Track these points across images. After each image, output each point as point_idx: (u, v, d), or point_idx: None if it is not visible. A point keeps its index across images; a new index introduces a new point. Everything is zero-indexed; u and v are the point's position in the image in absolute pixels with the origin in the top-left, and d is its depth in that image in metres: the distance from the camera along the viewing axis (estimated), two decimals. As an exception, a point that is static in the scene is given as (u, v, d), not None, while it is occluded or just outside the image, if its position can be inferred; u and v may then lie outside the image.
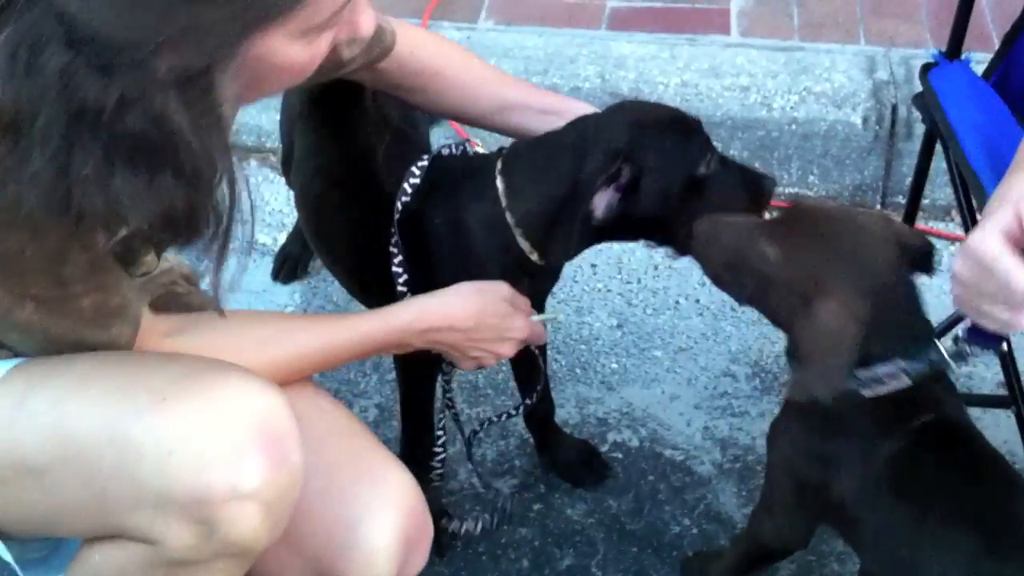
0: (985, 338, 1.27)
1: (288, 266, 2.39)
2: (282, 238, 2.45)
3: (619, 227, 1.45)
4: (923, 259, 1.37)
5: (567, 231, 1.40)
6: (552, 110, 1.58)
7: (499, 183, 1.46)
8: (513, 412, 1.77)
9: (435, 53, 1.60)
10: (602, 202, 1.39)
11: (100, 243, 1.11)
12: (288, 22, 1.00)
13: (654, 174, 1.40)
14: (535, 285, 1.56)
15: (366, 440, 1.41)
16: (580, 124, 1.47)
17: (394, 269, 1.52)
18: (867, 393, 1.31)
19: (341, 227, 1.66)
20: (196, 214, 1.03)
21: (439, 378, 1.69)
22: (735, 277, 1.40)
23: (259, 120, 2.73)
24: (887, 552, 1.33)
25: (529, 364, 1.77)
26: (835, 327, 1.25)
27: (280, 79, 1.09)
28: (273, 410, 1.14)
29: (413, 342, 1.45)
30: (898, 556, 1.31)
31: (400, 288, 1.52)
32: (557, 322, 1.56)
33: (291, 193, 2.41)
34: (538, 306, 1.64)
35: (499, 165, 1.48)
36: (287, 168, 2.14)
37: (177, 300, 1.53)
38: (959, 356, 1.33)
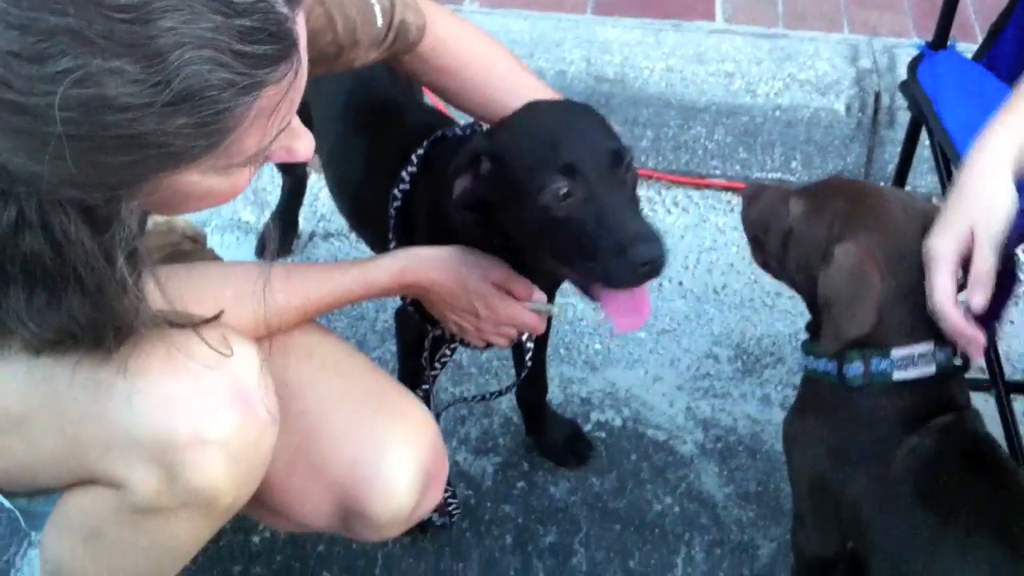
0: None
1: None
2: (266, 215, 2.44)
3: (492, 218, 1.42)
4: None
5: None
6: None
7: None
8: (488, 396, 1.77)
9: (456, 51, 1.54)
10: (460, 185, 1.38)
11: None
12: (200, 163, 0.95)
13: (501, 183, 1.35)
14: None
15: (387, 379, 1.44)
16: (523, 109, 1.44)
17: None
18: (898, 376, 1.31)
19: (379, 214, 1.64)
20: (98, 329, 1.02)
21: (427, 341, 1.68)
22: (765, 236, 1.42)
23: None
24: (901, 560, 1.31)
25: (518, 351, 1.78)
26: (854, 265, 1.28)
27: (200, 204, 1.05)
28: (246, 362, 1.15)
29: (395, 295, 1.49)
30: (913, 564, 1.29)
31: None
32: (553, 315, 1.55)
33: (273, 171, 2.42)
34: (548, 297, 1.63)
35: None
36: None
37: (184, 258, 1.54)
38: None
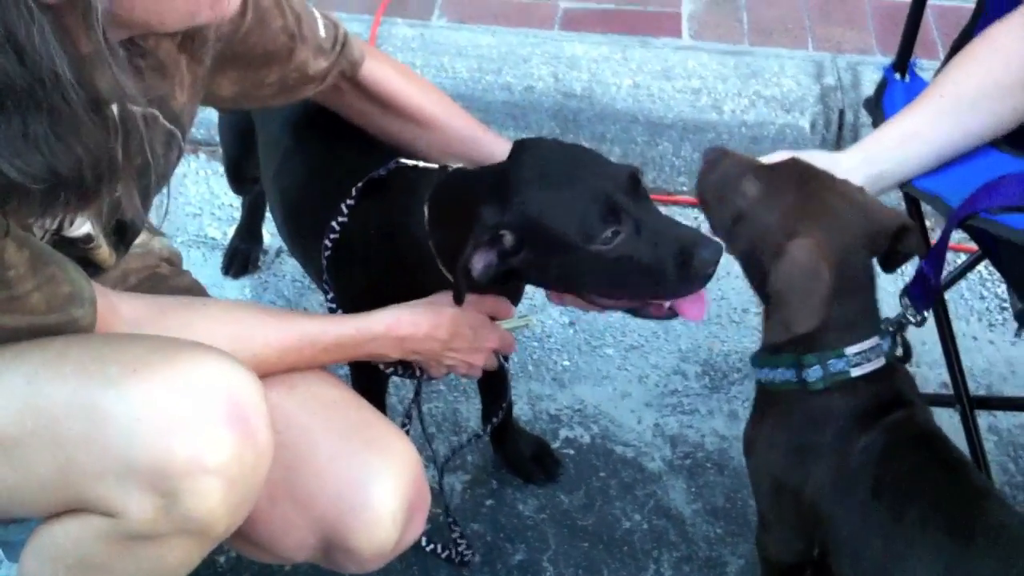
0: (920, 297, 1.41)
1: (238, 261, 2.37)
2: (232, 232, 2.43)
3: (520, 278, 1.42)
4: (897, 238, 1.41)
5: (454, 278, 1.37)
6: (479, 160, 1.56)
7: (426, 210, 1.45)
8: (482, 433, 1.82)
9: (393, 80, 1.57)
10: (480, 262, 1.35)
11: (36, 238, 1.09)
12: None
13: (535, 247, 1.34)
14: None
15: (372, 411, 1.44)
16: (493, 172, 1.42)
17: (323, 286, 1.54)
18: (855, 372, 1.35)
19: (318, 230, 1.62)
20: (82, 165, 0.94)
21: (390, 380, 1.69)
22: (717, 206, 1.44)
23: (209, 113, 2.69)
24: (860, 553, 1.34)
25: (496, 374, 1.79)
26: (808, 260, 1.30)
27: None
28: (244, 389, 1.14)
29: (389, 352, 1.45)
30: (871, 557, 1.32)
31: (329, 305, 1.54)
32: (527, 329, 1.56)
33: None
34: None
35: (430, 192, 1.46)
36: (238, 173, 2.13)
37: (163, 283, 1.53)
38: (902, 319, 1.43)
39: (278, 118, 1.72)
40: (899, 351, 1.43)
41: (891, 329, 1.42)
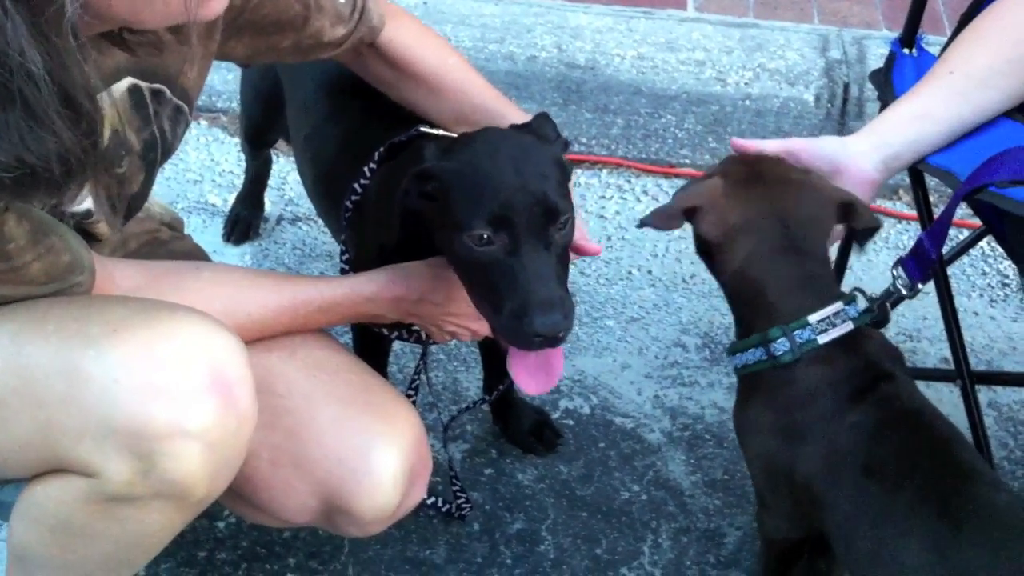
0: (914, 270, 1.42)
1: (240, 228, 2.37)
2: (232, 199, 2.42)
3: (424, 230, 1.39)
4: (846, 215, 1.44)
5: (390, 206, 1.36)
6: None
7: None
8: (488, 398, 1.83)
9: (411, 48, 1.55)
10: (403, 186, 1.34)
11: (36, 209, 1.09)
12: None
13: (439, 205, 1.33)
14: None
15: (373, 375, 1.45)
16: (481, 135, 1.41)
17: (339, 247, 1.54)
18: (823, 339, 1.36)
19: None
20: (49, 158, 0.92)
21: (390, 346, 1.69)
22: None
23: (210, 80, 2.68)
24: (852, 537, 1.33)
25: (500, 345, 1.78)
26: (705, 189, 1.43)
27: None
28: (228, 353, 1.13)
29: (386, 313, 1.44)
30: (864, 540, 1.32)
31: (342, 266, 1.54)
32: None
33: (241, 154, 2.40)
34: None
35: None
36: (259, 138, 2.14)
37: (162, 247, 1.52)
38: (893, 290, 1.45)
39: (312, 80, 1.72)
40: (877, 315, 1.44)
41: (874, 297, 1.44)
